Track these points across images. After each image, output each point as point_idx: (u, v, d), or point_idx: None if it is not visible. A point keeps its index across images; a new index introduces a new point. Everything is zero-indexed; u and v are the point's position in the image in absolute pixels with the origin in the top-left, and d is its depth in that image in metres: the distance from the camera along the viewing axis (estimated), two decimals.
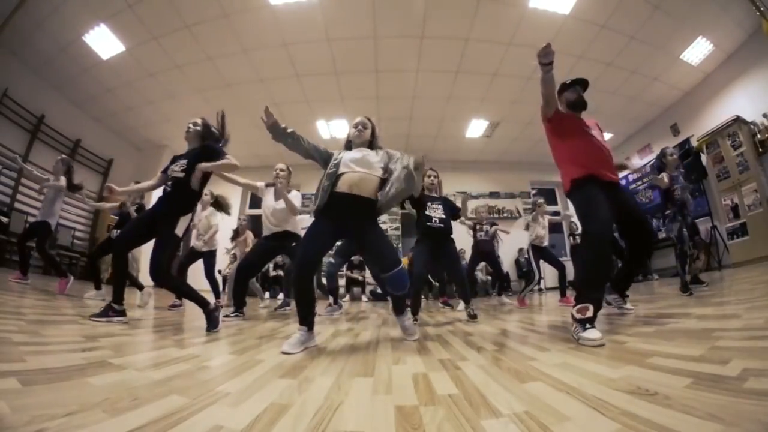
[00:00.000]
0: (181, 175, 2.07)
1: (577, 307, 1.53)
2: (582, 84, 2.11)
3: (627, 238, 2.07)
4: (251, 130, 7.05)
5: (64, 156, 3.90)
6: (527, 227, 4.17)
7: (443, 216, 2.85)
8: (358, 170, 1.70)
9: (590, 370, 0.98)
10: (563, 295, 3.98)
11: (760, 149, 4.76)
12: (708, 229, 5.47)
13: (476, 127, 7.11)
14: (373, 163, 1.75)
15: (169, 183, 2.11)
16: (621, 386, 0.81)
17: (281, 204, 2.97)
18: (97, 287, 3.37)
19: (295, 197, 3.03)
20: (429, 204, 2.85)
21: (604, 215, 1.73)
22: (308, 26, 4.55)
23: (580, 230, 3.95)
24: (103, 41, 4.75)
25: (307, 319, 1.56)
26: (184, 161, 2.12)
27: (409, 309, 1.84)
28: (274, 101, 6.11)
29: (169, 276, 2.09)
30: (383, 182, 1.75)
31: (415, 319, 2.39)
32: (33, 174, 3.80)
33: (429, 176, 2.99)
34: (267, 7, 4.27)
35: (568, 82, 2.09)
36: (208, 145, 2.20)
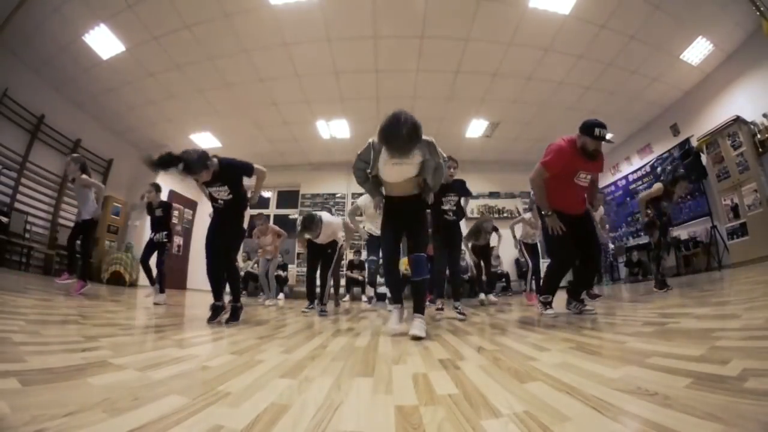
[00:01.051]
0: (230, 197, 2.41)
1: (543, 297, 2.52)
2: (604, 140, 2.19)
3: (581, 250, 2.47)
4: (251, 130, 7.10)
5: (73, 155, 3.92)
6: (524, 212, 4.34)
7: (455, 208, 3.11)
8: (397, 175, 1.98)
9: (590, 370, 0.98)
10: (530, 291, 4.23)
11: (760, 149, 4.76)
12: (708, 229, 5.47)
13: (476, 127, 7.10)
14: (409, 167, 1.95)
15: (220, 202, 2.42)
16: (621, 386, 0.81)
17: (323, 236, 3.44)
18: (161, 290, 3.79)
19: (337, 223, 3.66)
20: (444, 197, 3.01)
21: (566, 241, 2.33)
22: (308, 26, 4.55)
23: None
24: (103, 41, 4.75)
25: (399, 299, 2.08)
26: (226, 187, 2.38)
27: (423, 311, 2.04)
28: (274, 101, 6.11)
29: (235, 265, 2.59)
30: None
31: (441, 307, 3.06)
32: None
33: (449, 167, 3.07)
34: (267, 7, 4.27)
35: (595, 131, 2.15)
36: (235, 166, 2.41)
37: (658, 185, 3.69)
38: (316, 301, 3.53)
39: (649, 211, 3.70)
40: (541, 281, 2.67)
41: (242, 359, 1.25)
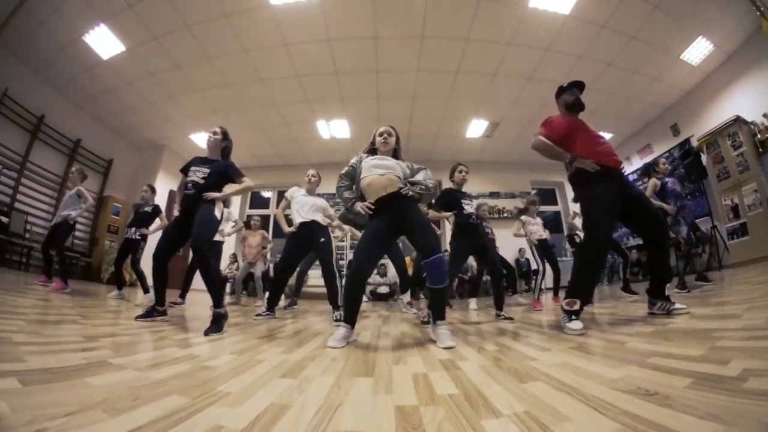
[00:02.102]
0: (202, 182, 2.25)
1: (567, 300, 1.79)
2: (579, 87, 2.20)
3: (641, 236, 2.03)
4: (251, 130, 7.09)
5: (79, 166, 4.25)
6: (520, 227, 4.12)
7: (477, 212, 3.05)
8: (381, 172, 1.86)
9: (590, 370, 0.98)
10: (556, 294, 4.16)
11: (760, 149, 4.76)
12: (708, 229, 5.46)
13: (476, 127, 7.10)
14: (392, 166, 1.90)
15: (190, 186, 2.25)
16: (621, 386, 0.81)
17: (312, 200, 3.17)
18: (119, 288, 3.71)
19: (323, 203, 3.29)
20: (463, 200, 2.91)
21: (608, 221, 1.87)
22: (308, 26, 4.55)
23: (579, 233, 4.03)
24: (103, 41, 4.75)
25: (352, 318, 1.71)
26: (207, 170, 2.29)
27: (444, 316, 1.75)
28: (274, 101, 6.11)
29: (209, 255, 2.09)
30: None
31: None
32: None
33: (461, 171, 2.99)
34: (267, 7, 4.27)
35: (565, 85, 2.21)
36: (230, 165, 2.40)
37: (652, 181, 3.67)
38: (277, 306, 3.06)
39: (670, 216, 3.51)
40: (570, 284, 1.88)
41: (242, 359, 1.25)
